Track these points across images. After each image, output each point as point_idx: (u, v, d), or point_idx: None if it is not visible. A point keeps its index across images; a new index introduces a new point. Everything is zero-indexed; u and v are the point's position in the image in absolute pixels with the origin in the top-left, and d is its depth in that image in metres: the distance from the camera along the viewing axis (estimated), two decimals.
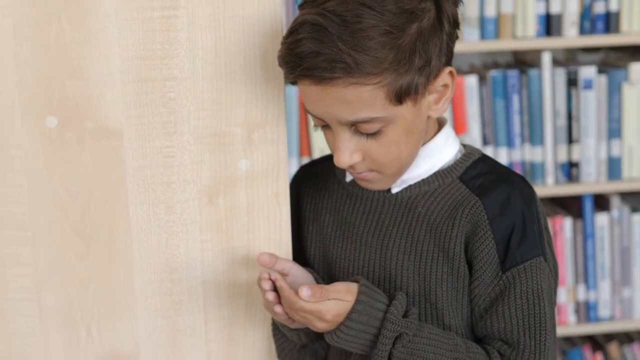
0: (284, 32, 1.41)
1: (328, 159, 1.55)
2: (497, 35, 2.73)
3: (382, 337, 1.35)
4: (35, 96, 1.42)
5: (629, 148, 2.82)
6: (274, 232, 1.50)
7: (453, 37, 1.39)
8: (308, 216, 1.53)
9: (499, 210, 1.40)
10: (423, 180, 1.45)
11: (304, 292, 1.32)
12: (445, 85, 1.40)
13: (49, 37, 1.41)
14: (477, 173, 1.44)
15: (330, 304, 1.35)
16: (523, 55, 2.92)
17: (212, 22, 1.43)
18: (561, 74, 2.78)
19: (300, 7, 1.37)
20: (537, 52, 2.79)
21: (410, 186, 1.45)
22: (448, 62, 1.39)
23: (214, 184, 1.48)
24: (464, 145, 1.49)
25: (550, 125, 2.78)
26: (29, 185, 1.45)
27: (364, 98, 1.33)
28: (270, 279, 1.36)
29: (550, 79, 2.77)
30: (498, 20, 2.73)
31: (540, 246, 1.41)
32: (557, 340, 1.51)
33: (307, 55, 1.31)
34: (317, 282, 1.47)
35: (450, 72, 1.40)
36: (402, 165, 1.41)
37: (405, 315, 1.37)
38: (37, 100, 1.42)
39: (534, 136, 2.78)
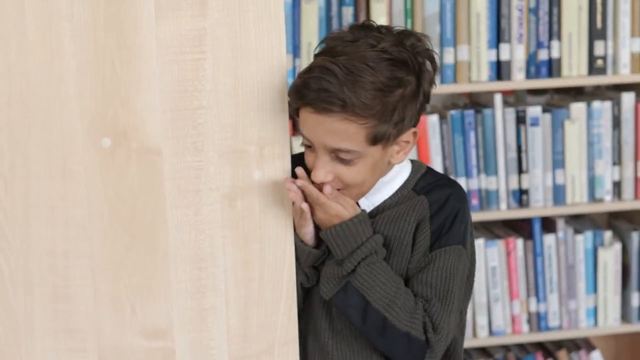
0: (288, 73, 1.81)
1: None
2: (455, 79, 3.11)
3: (362, 247, 1.77)
4: (93, 122, 1.78)
5: (572, 177, 3.15)
6: (279, 229, 1.85)
7: (423, 108, 1.80)
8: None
9: (438, 209, 1.83)
10: (385, 200, 1.87)
11: (328, 189, 1.78)
12: (407, 142, 1.81)
13: (104, 75, 1.77)
14: (426, 184, 1.87)
15: (339, 206, 1.78)
16: (477, 97, 3.32)
17: (232, 63, 1.80)
18: (511, 113, 3.12)
19: (316, 55, 1.77)
20: (490, 95, 3.18)
21: (377, 206, 1.87)
22: (414, 125, 1.80)
23: (233, 190, 1.83)
24: (412, 162, 1.91)
25: (502, 158, 3.11)
26: (87, 193, 1.80)
27: (349, 133, 1.73)
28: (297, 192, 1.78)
29: (502, 118, 3.11)
30: (455, 66, 3.07)
31: (461, 237, 1.83)
32: (464, 315, 1.96)
33: (316, 89, 1.70)
34: None
35: (414, 133, 1.81)
36: (363, 191, 1.83)
37: None
38: (95, 126, 1.78)
39: (488, 167, 3.10)
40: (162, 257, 1.83)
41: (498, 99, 3.10)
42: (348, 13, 3.04)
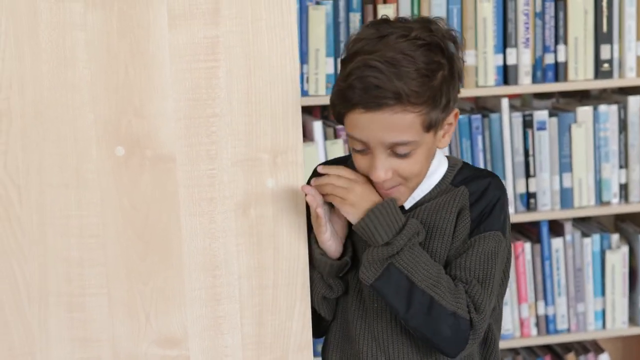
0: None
1: (338, 162, 1.94)
2: (462, 84, 3.12)
3: (407, 226, 1.76)
4: (107, 130, 1.79)
5: (579, 180, 3.17)
6: (293, 236, 1.86)
7: (459, 87, 1.81)
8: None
9: (478, 197, 1.82)
10: (426, 194, 1.86)
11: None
12: (450, 124, 1.81)
13: (118, 83, 1.78)
14: (464, 177, 1.87)
15: (366, 185, 1.79)
16: (484, 102, 3.33)
17: (245, 71, 1.80)
18: (518, 117, 3.14)
19: (344, 60, 1.77)
20: (497, 99, 3.19)
21: (417, 201, 1.86)
22: (454, 107, 1.81)
23: (247, 198, 1.84)
24: (448, 157, 1.90)
25: (510, 162, 3.13)
26: (102, 201, 1.81)
27: (406, 124, 1.72)
28: (316, 200, 1.79)
29: (508, 122, 3.13)
30: (463, 71, 3.12)
31: (500, 225, 1.82)
32: (500, 303, 1.94)
33: (364, 88, 1.70)
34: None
35: (456, 114, 1.82)
36: (420, 180, 1.83)
37: None
38: (109, 134, 1.79)
39: (496, 171, 3.10)
40: (176, 265, 1.84)
41: (505, 103, 3.12)
42: (355, 19, 3.04)
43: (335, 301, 1.94)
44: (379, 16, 2.94)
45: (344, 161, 1.95)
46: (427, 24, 1.77)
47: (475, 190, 1.83)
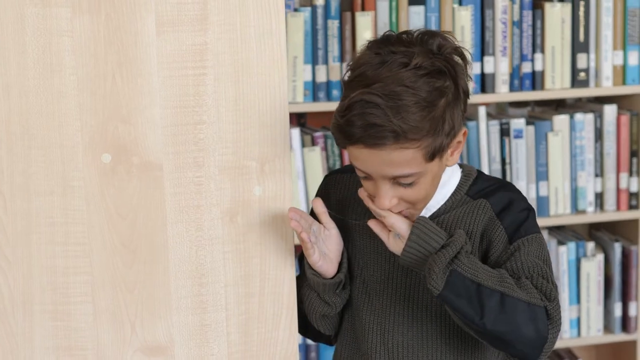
0: (288, 87, 1.80)
1: (352, 169, 1.92)
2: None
3: (456, 235, 1.73)
4: (93, 137, 1.77)
5: (555, 188, 3.20)
6: (281, 244, 1.86)
7: (466, 105, 1.76)
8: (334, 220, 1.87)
9: (503, 207, 1.79)
10: (441, 206, 1.84)
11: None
12: (459, 142, 1.77)
13: (105, 90, 1.76)
14: (481, 188, 1.84)
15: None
16: None
17: (233, 78, 1.80)
18: (495, 125, 3.17)
19: (346, 83, 1.74)
20: (474, 107, 3.20)
21: (433, 213, 1.83)
22: (462, 124, 1.77)
23: (234, 206, 1.83)
24: (461, 166, 1.87)
25: (486, 170, 3.13)
26: (87, 209, 1.79)
27: (406, 158, 1.69)
28: (300, 225, 1.78)
29: (485, 130, 3.16)
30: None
31: (538, 230, 1.79)
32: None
33: (363, 126, 1.66)
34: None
35: (464, 132, 1.77)
36: (428, 201, 1.80)
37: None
38: (95, 141, 1.77)
39: None
40: (162, 272, 1.82)
41: (482, 111, 3.13)
42: (334, 26, 3.04)
43: (339, 317, 1.93)
44: (357, 24, 2.97)
45: (353, 169, 1.93)
46: (430, 43, 1.72)
47: (497, 201, 1.80)
